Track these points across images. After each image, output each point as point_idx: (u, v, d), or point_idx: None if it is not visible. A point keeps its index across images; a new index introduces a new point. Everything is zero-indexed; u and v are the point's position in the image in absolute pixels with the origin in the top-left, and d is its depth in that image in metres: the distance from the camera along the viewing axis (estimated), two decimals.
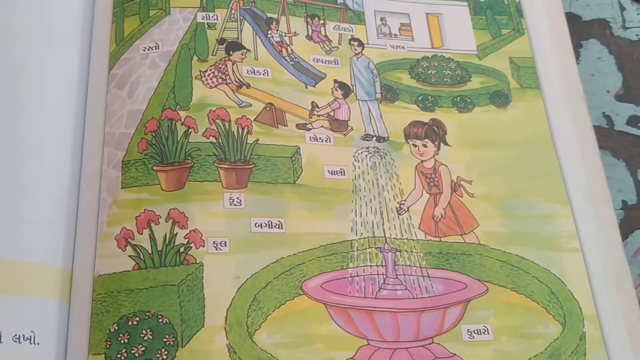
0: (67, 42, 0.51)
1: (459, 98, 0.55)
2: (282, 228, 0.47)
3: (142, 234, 0.45)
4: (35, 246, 0.44)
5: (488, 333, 0.46)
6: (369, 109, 0.53)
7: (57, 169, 0.47)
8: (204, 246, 0.45)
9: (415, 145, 0.52)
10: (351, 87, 0.54)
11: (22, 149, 0.46)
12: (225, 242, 0.45)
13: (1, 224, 0.44)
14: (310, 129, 0.51)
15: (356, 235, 0.48)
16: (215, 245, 0.45)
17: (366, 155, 0.51)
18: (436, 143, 0.52)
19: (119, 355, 0.42)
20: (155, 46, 0.51)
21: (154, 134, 0.48)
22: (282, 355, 0.43)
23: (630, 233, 0.54)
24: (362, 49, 0.55)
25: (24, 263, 0.43)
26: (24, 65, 0.49)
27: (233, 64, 0.52)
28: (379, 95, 0.54)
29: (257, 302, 0.44)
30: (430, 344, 0.45)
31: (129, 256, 0.44)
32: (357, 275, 0.47)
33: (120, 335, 0.42)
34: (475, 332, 0.46)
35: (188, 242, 0.45)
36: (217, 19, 0.53)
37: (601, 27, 0.63)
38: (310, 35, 0.55)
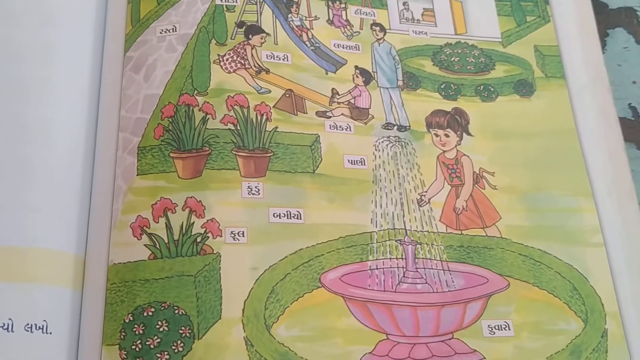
0: (77, 23, 0.49)
1: (482, 87, 0.53)
2: (300, 218, 0.46)
3: (158, 222, 0.44)
4: (47, 233, 0.43)
5: (509, 329, 0.45)
6: (390, 97, 0.52)
7: (70, 154, 0.45)
8: (221, 236, 0.44)
9: (437, 135, 0.51)
10: (372, 73, 0.52)
11: (29, 133, 0.45)
12: (243, 232, 0.44)
13: (11, 210, 0.43)
14: (330, 117, 0.50)
15: (376, 227, 0.47)
16: (232, 235, 0.44)
17: (387, 145, 0.50)
18: (458, 133, 0.51)
19: (133, 347, 0.41)
20: (173, 29, 0.50)
21: (170, 120, 0.47)
22: (300, 349, 0.42)
23: None
24: (384, 35, 0.54)
25: (35, 250, 0.42)
26: (26, 47, 0.47)
27: (252, 49, 0.50)
28: (400, 83, 0.52)
29: (275, 294, 0.43)
30: (450, 339, 0.44)
31: (145, 245, 0.43)
32: (377, 268, 0.46)
33: (135, 325, 0.41)
34: (496, 327, 0.45)
35: (205, 231, 0.44)
36: (236, 2, 0.52)
37: (628, 16, 0.61)
38: (331, 19, 0.54)
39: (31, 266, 0.42)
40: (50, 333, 0.41)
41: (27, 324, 0.40)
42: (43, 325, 0.41)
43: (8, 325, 0.40)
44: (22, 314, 0.40)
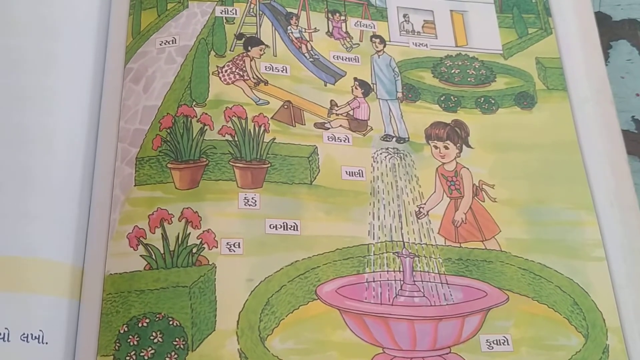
0: (79, 34, 0.50)
1: (482, 99, 0.53)
2: (297, 230, 0.46)
3: (154, 233, 0.44)
4: (45, 243, 0.43)
5: (508, 344, 0.44)
6: (390, 109, 0.52)
7: (69, 164, 0.46)
8: (217, 247, 0.44)
9: (436, 147, 0.51)
10: (371, 85, 0.52)
11: (30, 143, 0.45)
12: (239, 243, 0.44)
13: (10, 219, 0.43)
14: (329, 129, 0.50)
15: (373, 239, 0.47)
16: (228, 246, 0.44)
17: (385, 157, 0.49)
18: (458, 145, 0.51)
19: (127, 358, 0.41)
20: (172, 40, 0.50)
21: (168, 131, 0.47)
22: None
23: None
24: (384, 47, 0.54)
25: (33, 260, 0.42)
26: (29, 57, 0.48)
27: (251, 60, 0.50)
28: (400, 95, 0.52)
29: (270, 306, 0.43)
30: (447, 353, 0.44)
31: (141, 255, 0.43)
32: (374, 281, 0.46)
33: (130, 336, 0.41)
34: (495, 342, 0.44)
35: (201, 242, 0.44)
36: (236, 14, 0.52)
37: (632, 28, 0.61)
38: (330, 31, 0.54)
39: (29, 276, 0.42)
40: (46, 343, 0.41)
41: (23, 334, 0.40)
42: (39, 335, 0.41)
43: (4, 334, 0.40)
44: (18, 323, 0.40)
